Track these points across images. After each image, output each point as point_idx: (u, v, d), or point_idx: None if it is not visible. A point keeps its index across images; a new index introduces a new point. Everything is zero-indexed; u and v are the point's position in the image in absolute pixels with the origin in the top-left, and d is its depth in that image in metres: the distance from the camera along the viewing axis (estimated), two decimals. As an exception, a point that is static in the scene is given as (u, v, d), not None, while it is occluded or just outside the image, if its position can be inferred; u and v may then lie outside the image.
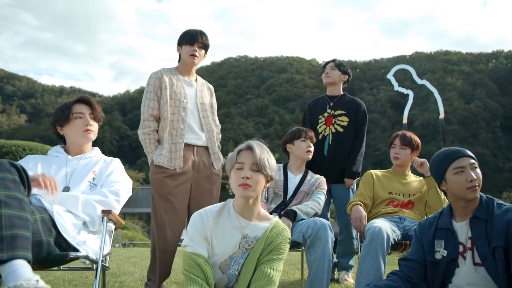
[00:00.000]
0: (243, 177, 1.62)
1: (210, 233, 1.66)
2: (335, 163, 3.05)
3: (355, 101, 3.22)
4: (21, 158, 8.19)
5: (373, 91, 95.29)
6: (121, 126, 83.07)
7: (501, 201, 1.73)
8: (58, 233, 1.66)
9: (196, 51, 2.65)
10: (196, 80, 2.78)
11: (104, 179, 2.00)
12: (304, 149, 2.64)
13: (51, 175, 1.81)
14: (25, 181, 1.52)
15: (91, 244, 1.79)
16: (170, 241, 2.45)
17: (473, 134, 75.48)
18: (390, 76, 6.00)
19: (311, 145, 2.67)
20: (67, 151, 2.05)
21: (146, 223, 26.27)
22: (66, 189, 1.89)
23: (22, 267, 1.27)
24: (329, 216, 3.25)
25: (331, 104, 3.18)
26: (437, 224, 1.79)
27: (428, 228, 1.81)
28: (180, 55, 2.74)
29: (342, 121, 3.11)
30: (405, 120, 6.41)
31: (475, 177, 1.71)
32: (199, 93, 2.71)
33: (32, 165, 1.93)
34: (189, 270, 1.57)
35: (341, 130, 3.09)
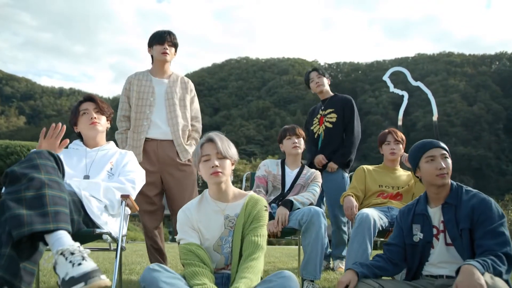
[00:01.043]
0: (212, 166, 1.82)
1: (196, 223, 1.86)
2: (326, 155, 3.40)
3: (343, 98, 3.58)
4: (24, 157, 7.40)
5: (375, 93, 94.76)
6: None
7: (468, 188, 1.95)
8: (85, 214, 1.95)
9: (167, 49, 2.89)
10: (170, 76, 2.97)
11: (121, 169, 2.26)
12: (290, 146, 2.89)
13: (73, 165, 2.13)
14: (61, 167, 1.80)
15: (111, 225, 2.05)
16: (148, 226, 2.83)
17: (476, 137, 74.82)
18: (386, 77, 6.29)
19: (296, 140, 2.88)
20: (85, 144, 2.32)
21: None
22: (86, 177, 2.16)
23: (65, 236, 1.54)
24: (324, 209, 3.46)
25: (323, 106, 3.58)
26: (415, 210, 2.01)
27: (407, 214, 2.03)
28: (152, 56, 2.98)
29: (331, 117, 3.47)
30: (400, 122, 6.59)
31: (444, 165, 1.91)
32: (168, 89, 2.90)
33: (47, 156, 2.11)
34: (185, 258, 1.77)
35: (330, 126, 3.44)
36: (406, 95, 6.42)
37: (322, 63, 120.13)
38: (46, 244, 1.58)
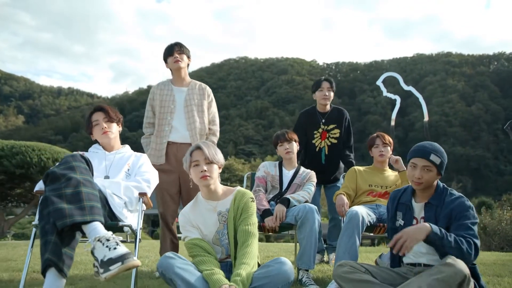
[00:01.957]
0: (201, 171, 2.06)
1: (194, 222, 2.12)
2: (331, 169, 3.62)
3: (341, 112, 3.75)
4: (30, 157, 7.88)
5: (374, 93, 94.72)
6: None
7: (453, 191, 2.09)
8: (109, 209, 2.19)
9: (177, 56, 3.15)
10: (189, 84, 3.27)
11: (137, 169, 2.51)
12: (283, 152, 3.13)
13: (94, 167, 2.25)
14: (91, 169, 2.09)
15: (130, 219, 2.30)
16: (169, 220, 3.14)
17: (475, 137, 74.96)
18: (379, 82, 6.34)
19: (288, 146, 3.11)
20: (104, 148, 2.56)
21: (145, 224, 25.99)
22: (107, 177, 2.39)
23: (99, 226, 1.83)
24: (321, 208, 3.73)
25: (323, 120, 3.67)
26: (400, 198, 2.23)
27: (393, 200, 2.27)
28: (170, 69, 3.25)
29: (335, 133, 3.67)
30: (392, 123, 6.70)
31: (419, 176, 2.04)
32: (187, 97, 3.20)
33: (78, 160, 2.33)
34: (192, 252, 2.06)
35: (335, 141, 3.66)
36: (398, 99, 6.42)
37: (320, 63, 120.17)
38: (82, 233, 1.88)
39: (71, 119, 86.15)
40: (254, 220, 2.11)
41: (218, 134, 3.35)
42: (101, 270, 1.69)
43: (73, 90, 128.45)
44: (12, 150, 9.67)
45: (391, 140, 3.17)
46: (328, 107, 3.74)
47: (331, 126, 3.67)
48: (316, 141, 3.65)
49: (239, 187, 2.22)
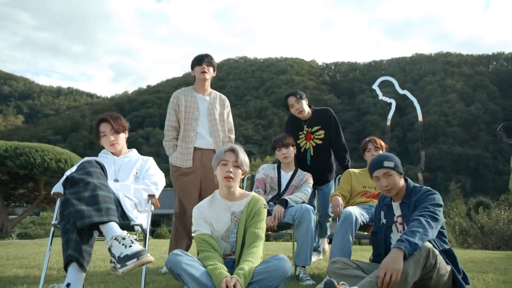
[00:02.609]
0: (227, 171, 2.22)
1: (208, 218, 2.26)
2: (316, 170, 3.55)
3: (323, 112, 3.73)
4: (33, 158, 8.56)
5: (373, 93, 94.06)
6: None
7: (422, 187, 2.35)
8: (122, 210, 2.32)
9: (205, 68, 3.34)
10: (210, 94, 3.44)
11: (144, 172, 2.66)
12: (281, 156, 3.32)
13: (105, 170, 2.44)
14: (105, 173, 2.27)
15: (140, 219, 2.45)
16: (187, 220, 3.25)
17: (473, 137, 75.05)
18: (375, 86, 6.72)
19: (285, 151, 3.30)
20: (112, 153, 2.71)
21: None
22: (116, 180, 2.54)
23: (115, 226, 2.01)
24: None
25: (306, 125, 3.69)
26: (383, 200, 2.52)
27: (379, 202, 2.57)
28: (194, 76, 3.42)
29: (319, 135, 3.65)
30: (388, 123, 7.24)
31: (386, 184, 2.33)
32: (210, 106, 3.38)
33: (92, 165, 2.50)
34: (199, 246, 2.21)
35: (320, 142, 3.64)
36: (393, 102, 6.93)
37: (320, 63, 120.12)
38: (99, 232, 2.06)
39: (71, 119, 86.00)
40: (264, 225, 2.27)
41: (234, 142, 3.52)
42: (118, 266, 1.86)
43: (73, 90, 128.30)
44: (16, 151, 9.85)
45: (382, 143, 3.32)
46: (308, 113, 3.70)
47: (315, 128, 3.67)
48: (301, 142, 3.68)
49: (254, 193, 2.37)
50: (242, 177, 2.32)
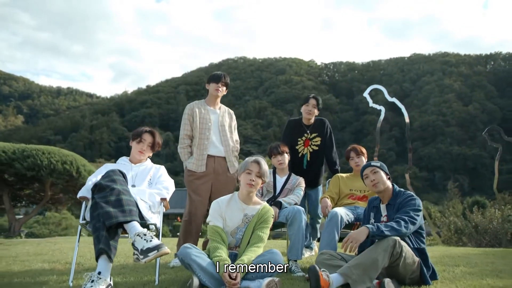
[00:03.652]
0: (250, 179, 2.64)
1: (223, 213, 2.65)
2: (311, 174, 3.99)
3: (322, 122, 4.15)
4: (40, 160, 9.20)
5: (371, 92, 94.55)
6: (119, 127, 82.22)
7: (406, 192, 2.76)
8: (139, 211, 2.61)
9: (220, 87, 3.77)
10: (220, 108, 3.86)
11: (157, 179, 3.04)
12: (276, 163, 3.69)
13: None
14: (126, 180, 2.66)
15: (153, 220, 2.77)
16: (197, 218, 3.60)
17: (471, 136, 75.29)
18: (366, 94, 7.29)
19: (280, 158, 3.66)
20: (130, 161, 3.09)
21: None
22: (133, 186, 2.90)
23: (137, 225, 2.39)
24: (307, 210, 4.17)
25: (308, 131, 4.09)
26: (373, 203, 2.92)
27: (369, 205, 2.96)
28: (208, 90, 3.82)
29: (316, 141, 4.07)
30: (378, 124, 7.83)
31: (372, 178, 2.77)
32: (220, 118, 3.79)
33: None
34: (211, 235, 2.60)
35: (316, 148, 4.06)
36: (383, 109, 7.50)
37: (318, 63, 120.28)
38: (124, 230, 2.46)
39: (71, 119, 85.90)
40: (268, 231, 2.70)
41: (239, 151, 3.95)
42: (141, 257, 2.25)
43: (72, 90, 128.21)
44: (24, 153, 10.16)
45: (363, 150, 3.75)
46: (311, 121, 4.12)
47: (314, 135, 4.08)
48: (299, 148, 4.06)
49: (266, 203, 2.81)
50: (261, 185, 2.77)
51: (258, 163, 2.68)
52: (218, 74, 3.84)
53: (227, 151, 3.72)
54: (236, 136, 3.92)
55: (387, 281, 2.29)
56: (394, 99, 7.36)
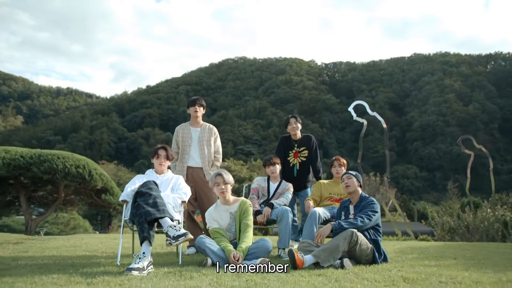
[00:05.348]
0: (221, 189, 3.54)
1: (215, 217, 3.59)
2: (300, 180, 4.92)
3: (309, 138, 5.05)
4: (56, 165, 10.52)
5: (372, 92, 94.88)
6: (119, 127, 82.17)
7: (369, 197, 3.66)
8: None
9: (197, 109, 4.66)
10: (201, 126, 4.75)
11: (177, 186, 3.85)
12: (269, 172, 4.58)
13: None
14: (158, 188, 3.49)
15: (176, 217, 3.54)
16: (190, 214, 4.60)
17: (472, 136, 75.22)
18: (350, 108, 7.93)
19: (273, 168, 4.54)
20: (156, 172, 3.91)
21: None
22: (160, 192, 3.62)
23: (169, 220, 3.21)
24: (295, 210, 5.04)
25: (296, 145, 4.99)
26: (344, 204, 3.82)
27: (341, 205, 3.85)
28: (189, 113, 4.73)
29: (304, 153, 4.96)
30: (361, 135, 8.61)
31: (346, 181, 3.72)
32: (200, 135, 4.70)
33: (141, 180, 3.71)
34: (214, 235, 3.47)
35: (304, 159, 4.95)
36: (365, 123, 8.30)
37: (319, 63, 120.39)
38: (159, 224, 3.26)
39: (71, 120, 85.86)
40: (251, 217, 3.57)
41: (221, 160, 4.85)
42: (173, 241, 3.08)
43: (72, 90, 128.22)
44: (40, 158, 11.01)
45: (345, 162, 4.64)
46: (298, 135, 5.02)
47: (302, 148, 4.97)
48: (290, 159, 4.97)
49: (243, 198, 3.69)
50: (231, 187, 3.62)
51: (220, 175, 3.55)
52: (193, 98, 4.75)
53: (203, 162, 4.63)
54: (217, 147, 4.80)
55: (346, 260, 3.15)
56: (374, 113, 8.30)
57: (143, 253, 3.01)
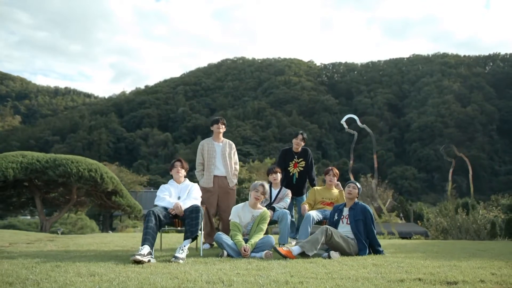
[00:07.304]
0: (257, 195, 4.30)
1: (239, 214, 4.28)
2: (298, 187, 5.70)
3: (306, 150, 5.84)
4: (70, 169, 12.28)
5: (371, 93, 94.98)
6: (118, 128, 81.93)
7: (360, 202, 4.51)
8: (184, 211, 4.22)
9: (220, 126, 5.44)
10: (222, 141, 5.53)
11: (191, 192, 4.45)
12: (272, 180, 5.31)
13: (171, 192, 4.42)
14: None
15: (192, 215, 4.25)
16: (210, 215, 5.32)
17: (470, 138, 75.46)
18: (343, 121, 8.55)
19: (275, 176, 5.29)
20: (175, 181, 4.53)
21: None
22: (179, 197, 4.38)
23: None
24: (293, 212, 5.76)
25: (296, 156, 5.79)
26: (338, 207, 4.61)
27: (335, 208, 4.66)
28: (213, 130, 5.49)
29: (302, 164, 5.75)
30: (352, 145, 9.29)
31: (350, 189, 4.51)
32: (222, 149, 5.48)
33: (166, 188, 4.44)
34: (232, 228, 4.19)
35: (302, 169, 5.75)
36: (356, 134, 8.86)
37: (318, 64, 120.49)
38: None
39: (69, 120, 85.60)
40: (266, 225, 4.32)
41: (238, 169, 5.70)
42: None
43: (70, 90, 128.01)
44: (55, 162, 11.84)
45: (337, 172, 5.40)
46: (299, 149, 5.82)
47: (300, 159, 5.76)
48: (290, 168, 5.75)
49: (265, 208, 4.45)
50: (264, 198, 4.41)
51: (263, 186, 4.32)
52: (217, 118, 5.53)
53: (227, 172, 5.43)
54: (235, 159, 5.62)
55: (332, 252, 3.98)
56: (364, 126, 8.90)
57: (184, 245, 3.83)
